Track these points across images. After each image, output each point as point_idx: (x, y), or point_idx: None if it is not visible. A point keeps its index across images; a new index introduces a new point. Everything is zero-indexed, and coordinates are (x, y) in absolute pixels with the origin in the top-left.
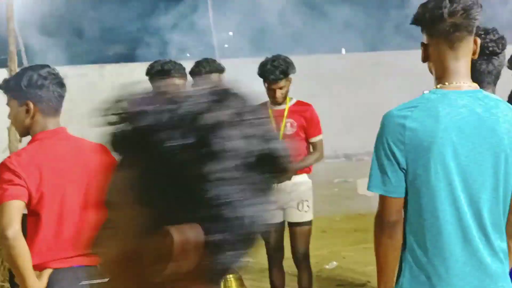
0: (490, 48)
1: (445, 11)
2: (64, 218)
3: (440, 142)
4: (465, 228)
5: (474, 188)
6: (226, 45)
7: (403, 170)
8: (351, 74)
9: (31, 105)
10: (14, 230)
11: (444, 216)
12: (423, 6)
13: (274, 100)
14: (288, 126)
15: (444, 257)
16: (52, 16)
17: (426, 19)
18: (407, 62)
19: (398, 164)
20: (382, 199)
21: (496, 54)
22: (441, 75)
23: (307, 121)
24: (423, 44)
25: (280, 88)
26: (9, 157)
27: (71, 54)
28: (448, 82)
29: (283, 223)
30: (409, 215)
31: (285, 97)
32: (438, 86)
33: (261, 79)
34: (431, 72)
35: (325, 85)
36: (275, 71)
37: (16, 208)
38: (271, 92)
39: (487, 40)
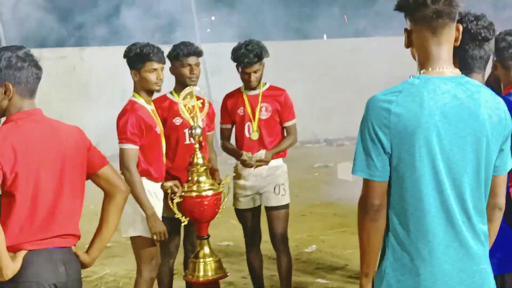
0: (482, 34)
1: None
2: (38, 199)
3: (425, 126)
4: (448, 211)
5: (457, 172)
6: (208, 30)
7: (388, 154)
8: (331, 60)
9: (10, 87)
10: None
11: (428, 199)
12: None
13: (248, 85)
14: (263, 110)
15: (428, 239)
16: None
17: (409, 6)
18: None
19: (383, 148)
20: (367, 182)
21: (488, 39)
22: (424, 61)
23: (281, 105)
24: (406, 30)
25: (255, 72)
26: None
27: (50, 36)
28: (431, 68)
29: (259, 207)
30: (393, 198)
31: (259, 81)
32: (422, 71)
33: (236, 68)
34: (414, 58)
35: (306, 70)
36: (249, 54)
37: None
38: (245, 76)
39: (479, 26)
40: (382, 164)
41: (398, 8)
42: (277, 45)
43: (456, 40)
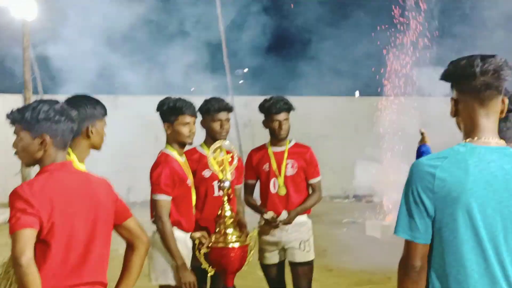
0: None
1: (477, 70)
2: (71, 247)
3: (469, 193)
4: (492, 278)
5: (498, 240)
6: (241, 81)
7: (431, 218)
8: (360, 117)
9: (48, 138)
10: (27, 258)
11: (471, 265)
12: (454, 63)
13: (278, 134)
14: (289, 167)
15: None
16: (69, 46)
17: (457, 76)
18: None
19: (426, 211)
20: (408, 244)
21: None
22: (470, 130)
23: (307, 163)
24: (453, 100)
25: (284, 120)
26: (21, 186)
27: (85, 83)
28: (477, 137)
29: (284, 261)
30: (434, 261)
31: (287, 134)
32: (467, 140)
33: (262, 123)
34: (458, 126)
35: (336, 126)
36: (278, 102)
37: (29, 237)
38: (275, 125)
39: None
40: (425, 226)
41: (445, 77)
42: (309, 100)
43: (501, 113)
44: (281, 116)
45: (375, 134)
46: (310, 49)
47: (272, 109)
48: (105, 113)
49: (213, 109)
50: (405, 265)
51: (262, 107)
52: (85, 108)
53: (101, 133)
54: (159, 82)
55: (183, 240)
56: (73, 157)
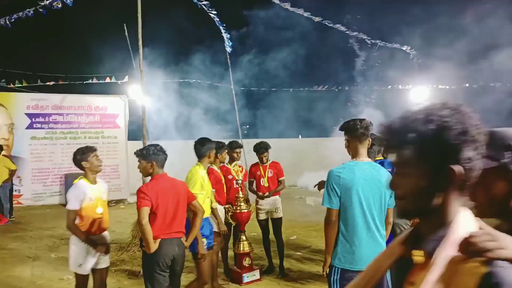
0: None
1: (358, 127)
2: (167, 214)
3: (356, 185)
4: (367, 224)
5: (371, 207)
6: (245, 132)
7: (339, 197)
8: (311, 152)
9: (154, 163)
10: (145, 221)
11: (357, 218)
12: (347, 122)
13: (263, 161)
14: (269, 172)
15: (357, 236)
16: (169, 110)
17: (349, 129)
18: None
19: (337, 193)
20: (329, 209)
21: (371, 145)
22: (355, 155)
23: (278, 170)
24: (346, 139)
25: (265, 156)
26: (142, 186)
27: (186, 131)
28: (359, 158)
29: (268, 218)
30: (341, 217)
31: (268, 160)
32: (354, 159)
33: (255, 153)
34: (348, 152)
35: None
36: (262, 148)
37: (146, 211)
38: (261, 157)
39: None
40: (336, 201)
41: (342, 129)
42: (279, 141)
43: (369, 145)
44: (264, 154)
45: (320, 161)
46: (280, 105)
47: (259, 150)
48: (214, 147)
49: (233, 146)
50: (328, 220)
51: (254, 148)
52: (209, 143)
53: (213, 157)
54: (188, 129)
55: (221, 210)
56: (202, 167)
